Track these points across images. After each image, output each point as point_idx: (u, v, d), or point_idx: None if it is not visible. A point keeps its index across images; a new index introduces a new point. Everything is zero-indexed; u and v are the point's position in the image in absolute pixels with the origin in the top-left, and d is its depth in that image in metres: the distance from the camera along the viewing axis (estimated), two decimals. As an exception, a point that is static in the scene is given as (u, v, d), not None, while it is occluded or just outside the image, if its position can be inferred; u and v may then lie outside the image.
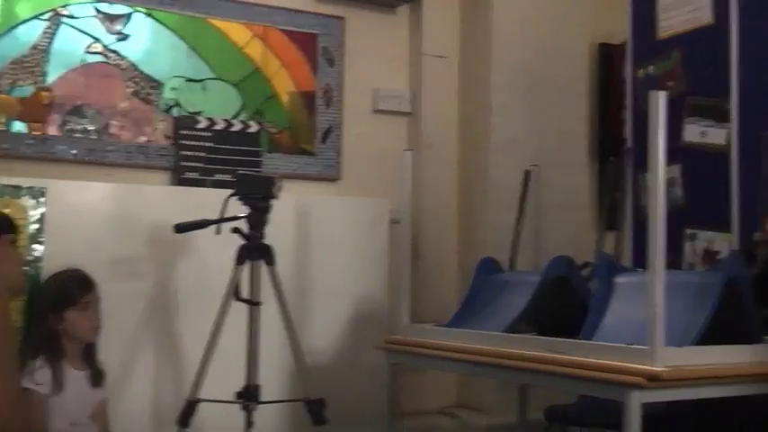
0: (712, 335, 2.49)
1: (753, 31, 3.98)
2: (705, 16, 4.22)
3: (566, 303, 3.10)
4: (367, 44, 4.82)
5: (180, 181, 4.21)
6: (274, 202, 3.54)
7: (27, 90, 4.00)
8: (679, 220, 4.13)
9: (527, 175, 3.90)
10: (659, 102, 2.41)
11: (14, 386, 2.30)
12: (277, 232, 3.61)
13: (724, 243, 3.94)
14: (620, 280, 2.88)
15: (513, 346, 2.92)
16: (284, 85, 4.57)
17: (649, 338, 2.38)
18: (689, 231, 4.10)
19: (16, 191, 3.66)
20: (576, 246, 4.21)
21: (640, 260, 2.32)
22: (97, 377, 3.55)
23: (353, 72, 4.76)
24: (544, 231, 3.97)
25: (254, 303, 3.48)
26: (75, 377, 3.47)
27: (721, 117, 4.05)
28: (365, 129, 4.78)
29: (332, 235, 4.33)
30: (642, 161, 2.38)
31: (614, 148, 4.58)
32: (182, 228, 3.54)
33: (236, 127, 4.40)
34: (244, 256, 3.50)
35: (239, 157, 4.35)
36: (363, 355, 4.25)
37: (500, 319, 3.16)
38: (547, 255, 3.22)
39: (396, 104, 4.86)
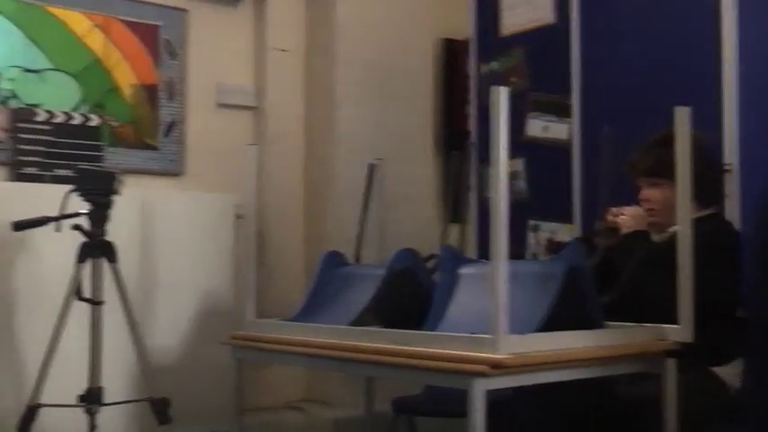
0: (555, 322, 2.55)
1: (593, 30, 4.11)
2: (547, 16, 4.34)
3: (411, 295, 3.10)
4: (210, 37, 4.77)
5: (18, 176, 4.09)
6: (116, 198, 3.48)
7: None
8: (523, 212, 4.25)
9: (371, 168, 3.92)
10: (501, 97, 2.45)
11: None
12: (119, 229, 3.55)
13: (566, 233, 4.06)
14: (464, 271, 2.92)
15: (358, 339, 2.91)
16: (126, 78, 4.50)
17: (492, 327, 2.41)
18: (532, 222, 4.22)
19: None
20: (421, 238, 4.28)
21: (485, 252, 2.36)
22: None
23: (197, 65, 4.71)
24: (389, 225, 3.99)
25: (96, 303, 3.41)
26: None
27: (563, 112, 4.18)
28: (209, 123, 4.74)
29: (176, 231, 4.27)
30: (487, 155, 2.42)
31: (459, 143, 4.68)
32: (20, 225, 3.45)
33: (77, 120, 4.31)
34: (85, 253, 3.43)
35: (80, 152, 4.25)
36: (209, 352, 4.18)
37: (345, 312, 3.14)
38: (392, 248, 3.22)
39: (240, 99, 4.84)
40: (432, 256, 3.35)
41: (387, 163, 4.01)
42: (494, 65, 4.58)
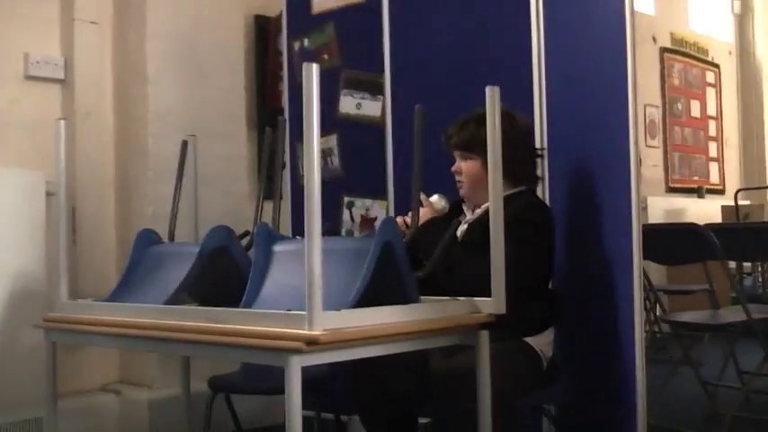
0: (370, 298, 2.59)
1: (404, 7, 4.19)
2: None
3: (226, 273, 3.10)
4: (15, 6, 4.60)
5: None
6: None
7: None
8: (337, 189, 4.30)
9: (184, 145, 3.87)
10: (312, 74, 2.47)
11: None
12: None
13: (381, 210, 4.14)
14: (279, 248, 2.93)
15: (172, 318, 2.90)
16: None
17: (307, 304, 2.44)
18: (347, 199, 4.28)
19: None
20: (236, 216, 4.28)
21: (300, 229, 2.39)
22: None
23: (2, 35, 4.55)
24: (203, 202, 3.98)
25: None
26: None
27: (376, 90, 4.25)
28: (16, 96, 4.57)
29: None
30: (300, 132, 2.44)
31: (272, 119, 4.67)
32: None
33: None
34: None
35: None
36: (22, 335, 4.09)
37: (160, 291, 3.11)
38: (206, 225, 3.20)
39: (48, 71, 4.67)
40: (246, 234, 3.35)
41: (200, 139, 3.97)
42: (306, 42, 4.60)
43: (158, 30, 4.69)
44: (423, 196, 3.32)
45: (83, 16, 4.73)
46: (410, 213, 3.00)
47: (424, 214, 3.30)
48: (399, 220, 3.25)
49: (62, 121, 3.62)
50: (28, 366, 4.02)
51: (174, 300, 3.07)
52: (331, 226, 3.58)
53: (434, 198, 3.37)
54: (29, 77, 4.62)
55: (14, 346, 4.14)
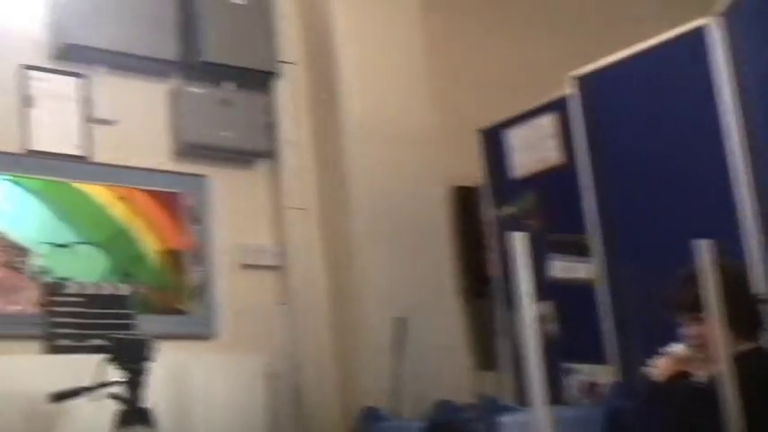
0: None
1: (603, 168, 4.19)
2: (555, 157, 4.43)
3: None
4: (230, 200, 4.84)
5: (52, 348, 4.10)
6: (150, 365, 3.50)
7: None
8: (555, 355, 4.24)
9: (398, 322, 3.94)
10: (519, 243, 2.50)
11: None
12: (154, 395, 3.54)
13: (603, 374, 4.04)
14: (506, 420, 2.94)
15: None
16: (152, 245, 4.56)
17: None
18: (565, 365, 4.21)
19: None
20: (457, 388, 4.23)
21: (522, 398, 2.38)
22: None
23: (219, 228, 4.77)
24: (424, 376, 4.00)
25: None
26: None
27: (583, 251, 4.22)
28: (235, 284, 4.75)
29: (209, 393, 4.26)
30: (512, 300, 2.46)
31: (482, 288, 4.71)
32: (57, 397, 3.47)
33: (106, 290, 4.35)
34: (123, 421, 3.41)
35: (112, 321, 4.25)
36: None
37: None
38: (428, 400, 3.24)
39: (263, 259, 4.85)
40: (471, 406, 3.35)
41: (414, 314, 4.03)
42: (508, 209, 4.64)
43: (363, 210, 4.83)
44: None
45: (291, 204, 4.93)
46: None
47: (668, 367, 3.19)
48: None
49: (280, 307, 3.75)
50: None
51: None
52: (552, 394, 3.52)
53: (676, 348, 3.25)
54: (245, 266, 4.81)
55: None
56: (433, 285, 4.88)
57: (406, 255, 4.86)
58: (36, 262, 4.24)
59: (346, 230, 4.88)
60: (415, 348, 3.95)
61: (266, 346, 4.45)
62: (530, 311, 2.49)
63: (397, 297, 4.60)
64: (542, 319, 4.13)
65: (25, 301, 4.18)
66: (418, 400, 3.87)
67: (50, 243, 4.30)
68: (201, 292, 4.65)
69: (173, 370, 4.18)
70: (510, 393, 4.36)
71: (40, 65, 4.42)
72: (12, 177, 4.26)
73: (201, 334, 4.59)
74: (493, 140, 4.82)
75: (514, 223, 4.49)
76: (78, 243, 4.38)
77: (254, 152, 4.93)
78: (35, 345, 4.13)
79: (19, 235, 4.23)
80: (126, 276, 4.46)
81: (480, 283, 5.01)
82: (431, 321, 4.60)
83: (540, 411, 2.43)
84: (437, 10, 5.37)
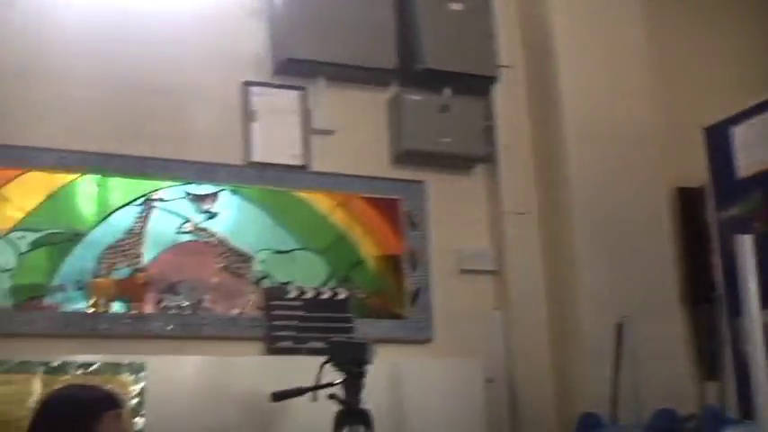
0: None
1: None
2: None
3: None
4: (447, 206, 4.86)
5: (272, 350, 4.24)
6: (370, 367, 3.53)
7: (125, 272, 4.11)
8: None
9: (619, 327, 3.86)
10: (746, 245, 2.40)
11: None
12: (372, 397, 3.59)
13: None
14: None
15: None
16: (370, 251, 4.62)
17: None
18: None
19: (116, 368, 3.77)
20: (677, 397, 4.03)
21: (747, 410, 2.25)
22: None
23: (436, 233, 4.79)
24: (642, 383, 3.89)
25: None
26: None
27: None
28: (453, 289, 4.76)
29: (426, 396, 4.29)
30: (737, 306, 2.34)
31: (705, 293, 4.52)
32: (278, 396, 3.58)
33: (326, 294, 4.44)
34: (341, 422, 3.47)
35: (331, 324, 4.36)
36: None
37: None
38: (647, 407, 3.15)
39: (480, 263, 4.85)
40: (692, 416, 3.23)
41: (633, 318, 3.94)
42: (734, 210, 4.45)
43: (584, 214, 4.74)
44: None
45: (510, 208, 4.89)
46: None
47: None
48: None
49: (497, 311, 3.74)
50: None
51: None
52: None
53: None
54: (463, 271, 4.82)
55: None
56: (653, 290, 4.72)
57: (626, 258, 4.73)
58: (257, 267, 4.37)
59: (565, 234, 4.80)
60: (635, 355, 3.83)
61: (482, 350, 4.44)
62: (756, 318, 2.37)
63: (617, 302, 4.49)
64: (769, 326, 3.95)
65: (246, 305, 4.32)
66: (637, 408, 3.76)
67: (271, 249, 4.42)
68: (419, 296, 4.67)
69: (390, 372, 4.25)
70: (733, 405, 4.17)
71: (261, 80, 4.57)
72: (234, 187, 4.41)
73: (418, 338, 4.61)
74: (718, 138, 4.62)
75: (740, 225, 4.29)
76: (298, 249, 4.48)
77: (472, 157, 4.93)
78: (256, 346, 4.28)
79: (240, 242, 4.37)
80: (344, 281, 4.53)
81: (703, 288, 4.82)
82: (651, 327, 4.44)
83: (765, 424, 2.31)
84: (658, 5, 5.22)
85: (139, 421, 3.73)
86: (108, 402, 2.80)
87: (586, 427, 3.44)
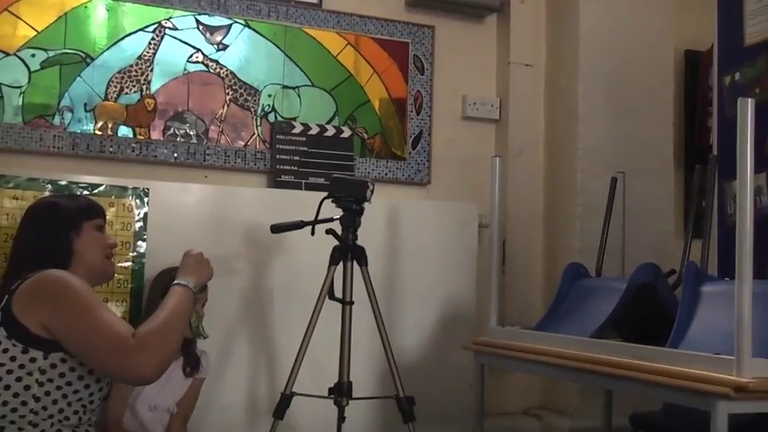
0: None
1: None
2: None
3: (651, 311, 3.04)
4: (456, 52, 4.79)
5: (276, 183, 4.23)
6: (367, 206, 3.50)
7: (133, 97, 4.07)
8: (766, 229, 4.01)
9: (613, 182, 3.83)
10: (747, 109, 2.34)
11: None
12: (368, 235, 3.57)
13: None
14: (708, 289, 2.81)
15: (598, 351, 2.89)
16: (377, 92, 4.57)
17: (737, 349, 2.31)
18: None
19: (123, 191, 3.74)
20: (662, 253, 4.13)
21: (727, 270, 2.26)
22: (191, 366, 3.52)
23: (443, 79, 4.74)
24: (629, 238, 3.90)
25: (346, 303, 3.43)
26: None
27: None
28: (454, 135, 4.75)
29: (422, 238, 4.30)
30: (729, 169, 2.30)
31: (700, 156, 4.47)
32: (277, 228, 3.55)
33: (330, 132, 4.42)
34: (337, 256, 3.47)
35: (333, 161, 4.35)
36: (451, 355, 4.22)
37: (586, 324, 3.12)
38: (633, 262, 3.16)
39: (484, 112, 4.82)
40: (673, 272, 3.24)
41: (627, 176, 3.91)
42: (737, 76, 4.35)
43: (590, 69, 4.65)
44: None
45: (518, 59, 4.83)
46: None
47: None
48: None
49: (497, 159, 3.74)
50: (455, 384, 4.16)
51: (600, 333, 3.06)
52: (760, 269, 3.35)
53: None
54: (465, 118, 4.80)
55: (444, 364, 4.26)
56: (649, 148, 4.70)
57: (627, 116, 4.68)
58: (264, 101, 4.33)
59: (570, 89, 4.72)
60: (625, 210, 3.81)
61: (479, 196, 4.41)
62: (748, 182, 2.33)
63: (614, 158, 4.45)
64: (758, 191, 3.91)
65: (252, 138, 4.29)
66: (622, 262, 3.78)
67: (279, 85, 4.37)
68: (420, 140, 4.66)
69: (387, 212, 4.26)
70: (715, 265, 4.20)
71: None
72: (245, 21, 4.32)
73: (417, 180, 4.63)
74: (729, 2, 4.48)
75: (740, 90, 4.20)
76: (306, 86, 4.43)
77: (484, 5, 4.81)
78: (259, 179, 4.29)
79: (249, 75, 4.32)
80: (349, 120, 4.50)
81: (699, 152, 4.79)
82: (644, 185, 4.45)
83: (745, 284, 2.30)
84: None
85: (142, 245, 3.76)
86: (88, 212, 2.75)
87: (572, 277, 3.44)
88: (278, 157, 4.27)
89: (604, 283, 3.41)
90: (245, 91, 4.29)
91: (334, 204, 3.48)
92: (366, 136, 4.53)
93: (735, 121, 2.41)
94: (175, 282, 2.67)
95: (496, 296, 3.64)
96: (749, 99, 2.31)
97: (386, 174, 4.53)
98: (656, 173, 4.69)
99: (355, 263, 3.48)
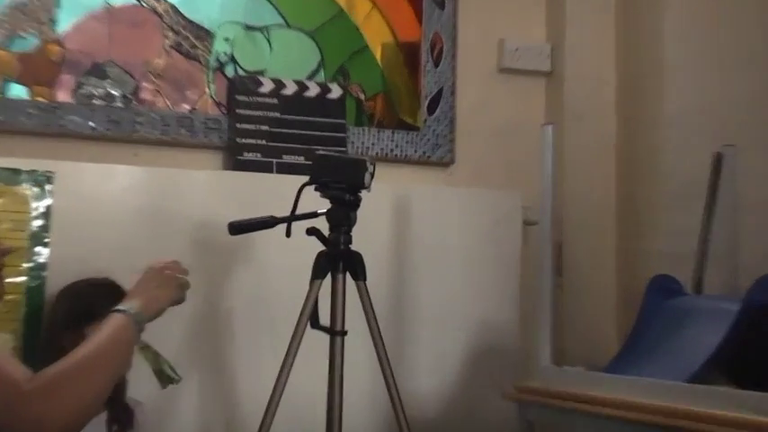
0: None
1: None
2: None
3: None
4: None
5: (236, 164, 4.19)
6: (365, 195, 3.43)
7: (30, 43, 4.04)
8: None
9: (717, 159, 3.75)
10: None
11: None
12: (368, 236, 3.51)
13: None
14: None
15: (700, 403, 2.82)
16: (378, 35, 4.56)
17: None
18: None
19: (14, 175, 3.72)
20: None
21: None
22: (119, 423, 3.48)
23: (472, 18, 4.71)
24: (744, 238, 3.81)
25: (336, 333, 3.37)
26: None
27: None
28: (488, 94, 4.70)
29: (442, 240, 4.29)
30: None
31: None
32: (238, 227, 3.51)
33: (313, 91, 4.37)
34: (323, 267, 3.41)
35: (316, 133, 4.31)
36: (483, 405, 4.19)
37: (683, 362, 3.08)
38: (749, 273, 3.06)
39: (530, 61, 4.77)
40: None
41: (739, 150, 3.85)
42: None
43: (681, 3, 4.54)
44: None
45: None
46: None
47: None
48: None
49: (548, 127, 3.75)
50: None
51: (702, 376, 3.01)
52: None
53: None
54: (503, 70, 4.75)
55: (473, 414, 4.23)
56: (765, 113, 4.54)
57: (735, 68, 4.40)
58: (219, 48, 4.30)
59: (655, 29, 4.64)
60: (737, 198, 3.69)
61: (522, 181, 4.40)
62: None
63: (717, 126, 4.26)
64: None
65: (202, 99, 4.25)
66: (733, 272, 3.69)
67: (240, 24, 4.34)
68: (440, 102, 4.60)
69: (394, 203, 4.25)
70: None
71: None
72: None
73: (436, 158, 4.59)
74: None
75: None
76: (277, 26, 4.40)
77: None
78: (212, 157, 4.25)
79: (198, 12, 4.30)
80: (340, 75, 4.46)
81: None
82: (761, 161, 4.28)
83: None
84: None
85: (42, 252, 3.71)
86: None
87: (659, 295, 3.44)
88: (238, 126, 4.22)
89: (707, 303, 3.38)
90: (191, 33, 4.26)
91: (318, 194, 3.44)
92: (364, 97, 4.50)
93: None
94: (116, 307, 2.60)
95: (549, 322, 3.63)
96: None
97: (392, 149, 4.48)
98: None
99: (349, 275, 3.43)
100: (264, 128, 4.22)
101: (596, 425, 3.24)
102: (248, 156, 4.19)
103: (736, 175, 3.75)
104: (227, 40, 4.28)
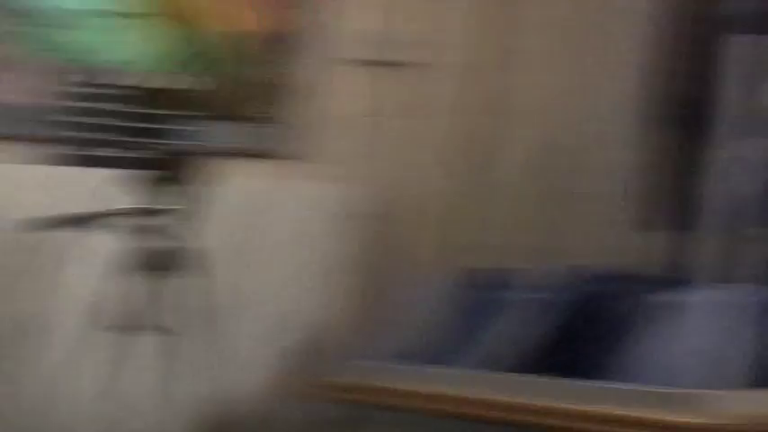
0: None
1: None
2: None
3: (590, 332, 3.08)
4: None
5: (65, 159, 4.12)
6: (195, 190, 3.56)
7: None
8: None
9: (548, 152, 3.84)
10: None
11: None
12: (207, 230, 3.64)
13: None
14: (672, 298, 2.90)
15: (515, 393, 2.94)
16: (226, 21, 4.51)
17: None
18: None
19: None
20: (600, 250, 4.06)
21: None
22: None
23: (327, 7, 4.68)
24: (557, 229, 3.96)
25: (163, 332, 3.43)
26: None
27: None
28: (339, 85, 4.70)
29: (286, 236, 4.31)
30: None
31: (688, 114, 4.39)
32: (45, 224, 3.47)
33: (153, 82, 4.26)
34: (139, 264, 3.45)
35: (157, 125, 4.16)
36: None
37: (494, 353, 3.19)
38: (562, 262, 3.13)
39: (385, 51, 4.75)
40: (619, 277, 3.24)
41: (575, 144, 4.04)
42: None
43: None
44: None
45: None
46: None
47: None
48: None
49: (397, 121, 4.06)
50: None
51: (513, 365, 3.15)
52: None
53: None
54: (355, 61, 4.72)
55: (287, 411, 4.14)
56: (611, 104, 4.62)
57: (586, 58, 4.65)
58: (45, 34, 4.22)
59: (510, 18, 4.74)
60: (559, 189, 3.78)
61: (372, 175, 4.42)
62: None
63: (557, 118, 4.42)
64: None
65: (24, 89, 4.20)
66: (547, 263, 3.74)
67: (69, 8, 4.26)
68: (292, 93, 4.62)
69: (238, 198, 4.24)
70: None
71: None
72: None
73: (284, 152, 4.60)
74: None
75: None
76: (106, 11, 4.32)
77: None
78: (24, 149, 4.17)
79: None
80: (183, 65, 4.44)
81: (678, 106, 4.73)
82: (590, 156, 4.39)
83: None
84: None
85: None
86: None
87: (474, 286, 3.58)
88: (63, 119, 4.13)
89: (521, 296, 3.40)
90: (10, 16, 4.14)
91: (145, 189, 3.55)
92: (200, 87, 4.35)
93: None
94: None
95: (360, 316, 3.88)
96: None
97: (239, 143, 4.47)
98: (614, 140, 4.53)
99: (168, 274, 3.47)
100: (85, 118, 4.12)
101: (405, 419, 3.26)
102: (82, 150, 4.09)
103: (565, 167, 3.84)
104: (47, 25, 4.19)
